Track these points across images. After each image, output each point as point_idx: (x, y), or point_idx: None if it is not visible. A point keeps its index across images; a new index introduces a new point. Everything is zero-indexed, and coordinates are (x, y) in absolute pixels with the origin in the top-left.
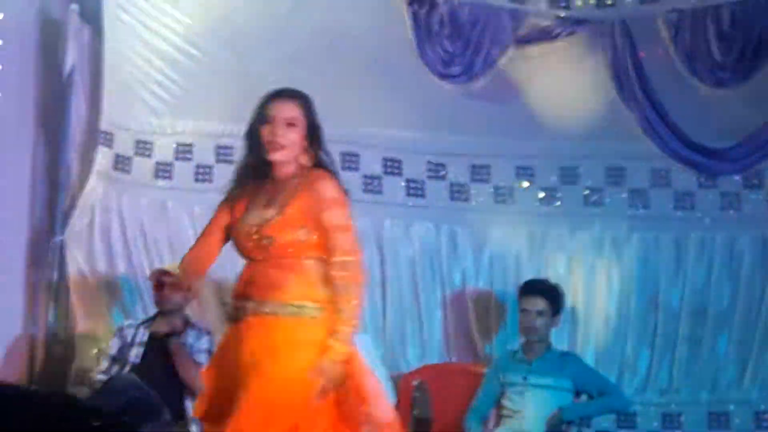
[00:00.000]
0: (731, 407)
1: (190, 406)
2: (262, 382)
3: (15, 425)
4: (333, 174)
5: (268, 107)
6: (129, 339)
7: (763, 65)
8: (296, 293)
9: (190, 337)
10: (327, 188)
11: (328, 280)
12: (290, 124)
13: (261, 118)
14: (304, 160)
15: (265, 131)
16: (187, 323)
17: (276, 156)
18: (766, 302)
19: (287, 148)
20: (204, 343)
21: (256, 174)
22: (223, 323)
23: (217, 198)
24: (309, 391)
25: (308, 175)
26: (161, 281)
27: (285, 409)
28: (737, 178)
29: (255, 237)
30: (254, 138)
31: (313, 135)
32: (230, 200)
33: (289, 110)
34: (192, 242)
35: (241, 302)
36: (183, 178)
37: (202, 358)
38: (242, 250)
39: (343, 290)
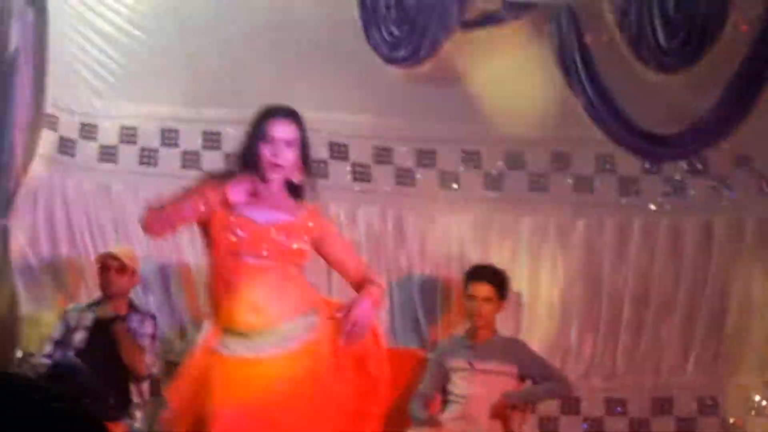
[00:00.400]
0: (674, 392)
1: (134, 391)
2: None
3: None
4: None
5: (269, 126)
6: (73, 323)
7: (707, 51)
8: (299, 302)
9: (134, 321)
10: (325, 218)
11: (307, 285)
12: (288, 145)
13: (261, 135)
14: (296, 176)
15: (266, 150)
16: (131, 307)
17: (274, 176)
18: (709, 288)
19: (285, 168)
20: (148, 327)
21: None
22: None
23: (163, 182)
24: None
25: (305, 202)
26: (107, 265)
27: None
28: (682, 163)
29: (268, 235)
30: (250, 154)
31: (305, 153)
32: (216, 186)
33: (289, 131)
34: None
35: (234, 334)
36: (128, 161)
37: (146, 341)
38: (245, 250)
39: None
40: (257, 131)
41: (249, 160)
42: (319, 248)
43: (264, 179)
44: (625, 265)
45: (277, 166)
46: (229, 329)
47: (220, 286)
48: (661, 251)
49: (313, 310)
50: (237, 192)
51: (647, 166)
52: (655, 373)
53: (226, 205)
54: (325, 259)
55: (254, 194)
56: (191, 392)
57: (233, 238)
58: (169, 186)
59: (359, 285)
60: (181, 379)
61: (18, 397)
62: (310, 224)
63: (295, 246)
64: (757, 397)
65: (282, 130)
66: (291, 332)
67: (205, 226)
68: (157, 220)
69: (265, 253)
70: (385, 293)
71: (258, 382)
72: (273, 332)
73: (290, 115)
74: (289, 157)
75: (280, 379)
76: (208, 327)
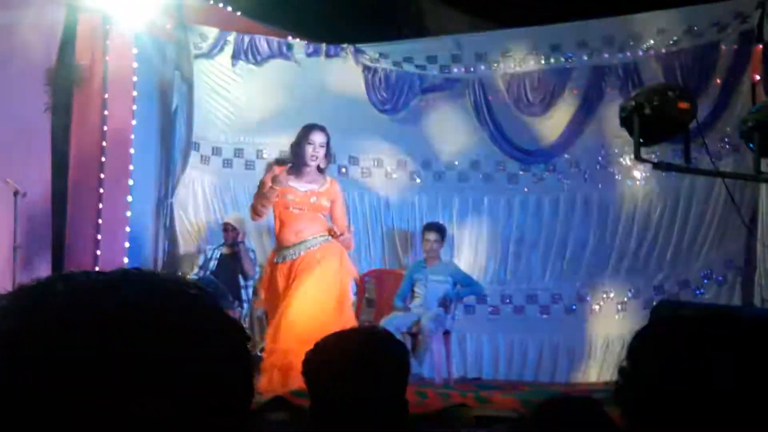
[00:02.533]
0: (538, 292)
1: (244, 293)
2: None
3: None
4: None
5: (311, 135)
6: (209, 255)
7: (555, 104)
8: (317, 230)
9: (244, 249)
10: (339, 188)
11: (323, 221)
12: (321, 146)
13: (306, 140)
14: (323, 163)
15: (309, 149)
16: (242, 243)
17: (312, 164)
18: (559, 231)
19: (320, 159)
20: (250, 253)
21: (291, 165)
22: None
23: (255, 180)
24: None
25: (329, 178)
26: (226, 225)
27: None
28: (542, 165)
29: (305, 198)
30: (300, 151)
31: (329, 152)
32: (273, 173)
33: (322, 138)
34: (239, 202)
35: (284, 248)
36: (238, 167)
37: (251, 257)
38: (291, 206)
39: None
40: (305, 137)
41: (299, 154)
42: (333, 203)
43: (306, 165)
44: (510, 223)
45: (314, 158)
46: (282, 246)
47: (279, 224)
48: (531, 214)
49: (326, 234)
50: (283, 173)
51: (523, 167)
52: (527, 282)
53: (282, 178)
54: (330, 212)
55: (299, 173)
56: (265, 287)
57: (286, 199)
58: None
59: (342, 230)
60: (260, 281)
61: (186, 292)
62: (330, 191)
63: (322, 203)
64: None
65: (318, 137)
66: (314, 242)
67: (275, 195)
68: (254, 210)
69: (304, 208)
70: (353, 237)
71: (302, 266)
72: (305, 243)
73: (323, 129)
74: (321, 154)
75: (308, 264)
76: (270, 252)
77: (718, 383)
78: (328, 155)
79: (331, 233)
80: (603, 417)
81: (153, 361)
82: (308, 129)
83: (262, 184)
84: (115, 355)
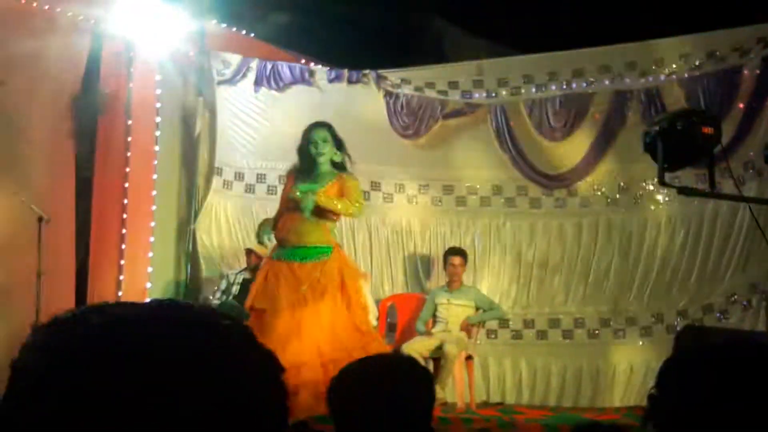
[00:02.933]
0: (560, 316)
1: None
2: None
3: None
4: (354, 175)
5: (311, 132)
6: (231, 280)
7: (576, 128)
8: (320, 239)
9: None
10: (349, 179)
11: (327, 230)
12: (325, 141)
13: (307, 138)
14: (337, 158)
15: (311, 148)
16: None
17: (322, 162)
18: (582, 255)
19: (327, 154)
20: None
21: (299, 169)
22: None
23: (270, 201)
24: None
25: (345, 174)
26: (249, 251)
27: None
28: (564, 189)
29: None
30: (304, 151)
31: (340, 145)
32: (285, 184)
33: (324, 133)
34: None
35: (281, 247)
36: (261, 192)
37: None
38: (296, 206)
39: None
40: (306, 138)
41: (303, 155)
42: (340, 193)
43: (314, 164)
44: (533, 245)
45: (320, 155)
46: (281, 243)
47: (282, 221)
48: (553, 238)
49: (329, 246)
50: (290, 179)
51: (545, 191)
52: (549, 306)
53: (290, 183)
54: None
55: (310, 175)
56: (261, 283)
57: (289, 201)
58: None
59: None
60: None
61: (202, 318)
62: (335, 188)
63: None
64: None
65: (318, 133)
66: (316, 253)
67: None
68: (275, 225)
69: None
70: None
71: (297, 275)
72: (306, 249)
73: (324, 124)
74: (325, 150)
75: (307, 275)
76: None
77: (745, 411)
78: (340, 148)
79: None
80: None
81: (190, 395)
82: (308, 128)
83: (281, 201)
84: (150, 390)
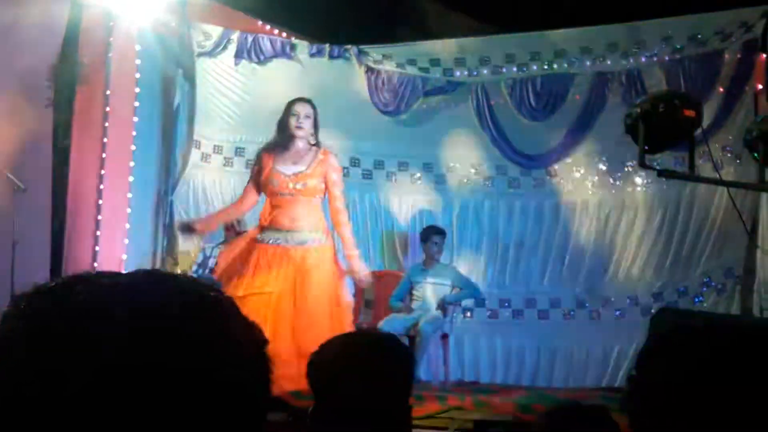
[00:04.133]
0: (537, 296)
1: None
2: (305, 292)
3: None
4: (332, 152)
5: (294, 106)
6: (208, 253)
7: (557, 109)
8: (312, 224)
9: None
10: (334, 160)
11: (320, 213)
12: (307, 117)
13: (290, 112)
14: (312, 139)
15: (293, 121)
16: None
17: (300, 138)
18: (559, 236)
19: (305, 131)
20: None
21: (277, 145)
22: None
23: (244, 176)
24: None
25: (321, 150)
26: (227, 224)
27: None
28: (543, 170)
29: (291, 183)
30: (284, 125)
31: (316, 125)
32: (260, 162)
33: (306, 109)
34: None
35: (270, 229)
36: (239, 166)
37: None
38: (279, 191)
39: (343, 221)
40: (288, 110)
41: (283, 128)
42: (325, 178)
43: (292, 139)
44: (510, 227)
45: (299, 129)
46: (273, 227)
47: (268, 207)
48: (531, 219)
49: (320, 230)
50: (269, 159)
51: (524, 171)
52: (526, 286)
53: (269, 164)
54: (326, 185)
55: (287, 153)
56: (231, 260)
57: (272, 184)
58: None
59: (335, 210)
60: (229, 249)
61: (188, 287)
62: (319, 170)
63: (312, 185)
64: None
65: (302, 108)
66: (308, 237)
67: (261, 180)
68: (246, 196)
69: (290, 192)
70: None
71: (288, 261)
72: (299, 234)
73: (308, 100)
74: (306, 125)
75: (301, 260)
76: (252, 227)
77: (726, 393)
78: (317, 128)
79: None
80: (613, 425)
81: (176, 365)
82: (291, 101)
83: (252, 175)
84: (137, 359)
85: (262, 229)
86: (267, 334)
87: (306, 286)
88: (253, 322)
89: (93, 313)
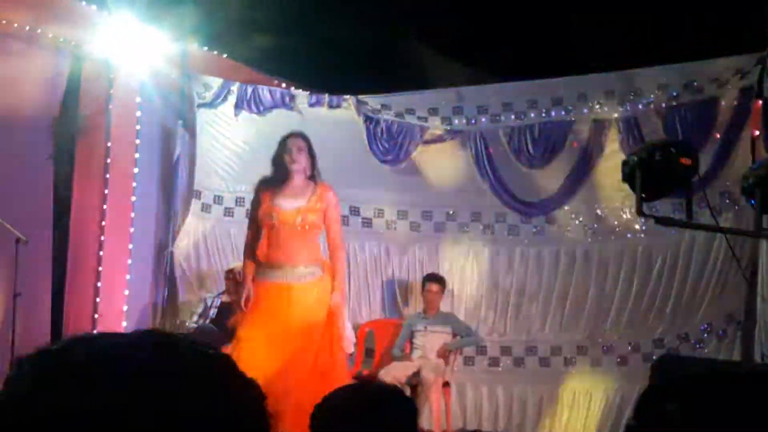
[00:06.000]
0: (538, 344)
1: None
2: (298, 328)
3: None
4: (329, 186)
5: (288, 142)
6: (209, 303)
7: (555, 157)
8: (310, 258)
9: None
10: (332, 195)
11: (317, 246)
12: (300, 150)
13: (284, 149)
14: (309, 171)
15: (287, 157)
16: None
17: (297, 172)
18: (559, 283)
19: (301, 166)
20: None
21: (273, 182)
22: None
23: (244, 225)
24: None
25: (320, 184)
26: (228, 274)
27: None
28: (542, 217)
29: (291, 217)
30: (279, 160)
31: (313, 157)
32: (257, 200)
33: (300, 143)
34: (239, 251)
35: (268, 266)
36: (239, 216)
37: None
38: (280, 226)
39: (338, 259)
40: (282, 146)
41: (278, 164)
42: (324, 214)
43: (289, 175)
44: (510, 275)
45: (294, 163)
46: (270, 264)
47: (267, 242)
48: (531, 266)
49: (318, 264)
50: (267, 195)
51: (523, 218)
52: (527, 334)
53: (267, 200)
54: (324, 221)
55: (285, 188)
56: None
57: (272, 220)
58: None
59: (333, 245)
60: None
61: (186, 348)
62: (319, 205)
63: (309, 219)
64: None
65: (295, 143)
66: (306, 273)
67: (259, 216)
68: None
69: (289, 227)
70: (344, 274)
71: (288, 297)
72: (296, 270)
73: (300, 134)
74: (301, 159)
75: (299, 297)
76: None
77: None
78: (313, 161)
79: (326, 266)
80: None
81: (175, 424)
82: (285, 136)
83: (251, 216)
84: (135, 419)
85: (258, 265)
86: (267, 371)
87: (305, 320)
88: (251, 379)
89: (93, 375)
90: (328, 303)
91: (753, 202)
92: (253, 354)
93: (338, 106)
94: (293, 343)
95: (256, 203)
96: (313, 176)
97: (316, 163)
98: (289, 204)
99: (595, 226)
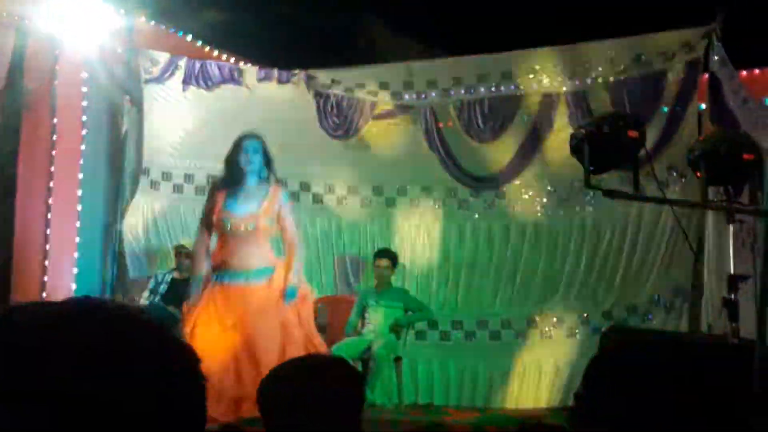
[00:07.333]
0: (489, 318)
1: None
2: (256, 327)
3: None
4: (283, 186)
5: (243, 142)
6: (159, 279)
7: (505, 130)
8: (263, 261)
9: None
10: (283, 196)
11: (269, 248)
12: (255, 152)
13: (239, 149)
14: (264, 171)
15: (241, 158)
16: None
17: (250, 169)
18: (510, 257)
19: (255, 167)
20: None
21: (227, 183)
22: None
23: (198, 201)
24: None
25: (272, 186)
26: (179, 251)
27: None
28: (493, 192)
29: (243, 224)
30: (234, 161)
31: (268, 159)
32: (212, 200)
33: (255, 143)
34: (189, 227)
35: (224, 270)
36: (188, 192)
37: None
38: (234, 231)
39: (296, 254)
40: (237, 147)
41: (232, 164)
42: (278, 215)
43: (243, 176)
44: (461, 249)
45: (249, 164)
46: (224, 267)
47: (220, 245)
48: (481, 240)
49: (272, 265)
50: (220, 196)
51: (473, 193)
52: (478, 307)
53: (220, 202)
54: (278, 222)
55: (238, 190)
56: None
57: (225, 225)
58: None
59: (289, 243)
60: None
61: (135, 321)
62: (272, 208)
63: (261, 224)
64: None
65: (250, 144)
66: (260, 275)
67: (213, 220)
68: (202, 235)
69: (242, 232)
70: (301, 273)
71: (245, 298)
72: (249, 272)
73: (256, 135)
74: (256, 161)
75: (256, 298)
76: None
77: (668, 408)
78: (268, 162)
79: (279, 266)
80: None
81: (107, 393)
82: (239, 137)
83: (205, 213)
84: (70, 387)
85: (213, 268)
86: (227, 365)
87: (264, 317)
88: (186, 344)
89: (26, 342)
90: (283, 292)
91: (699, 174)
92: (207, 344)
93: (288, 81)
94: (258, 338)
95: (210, 203)
96: (267, 178)
97: (271, 165)
98: (241, 209)
99: (545, 200)
